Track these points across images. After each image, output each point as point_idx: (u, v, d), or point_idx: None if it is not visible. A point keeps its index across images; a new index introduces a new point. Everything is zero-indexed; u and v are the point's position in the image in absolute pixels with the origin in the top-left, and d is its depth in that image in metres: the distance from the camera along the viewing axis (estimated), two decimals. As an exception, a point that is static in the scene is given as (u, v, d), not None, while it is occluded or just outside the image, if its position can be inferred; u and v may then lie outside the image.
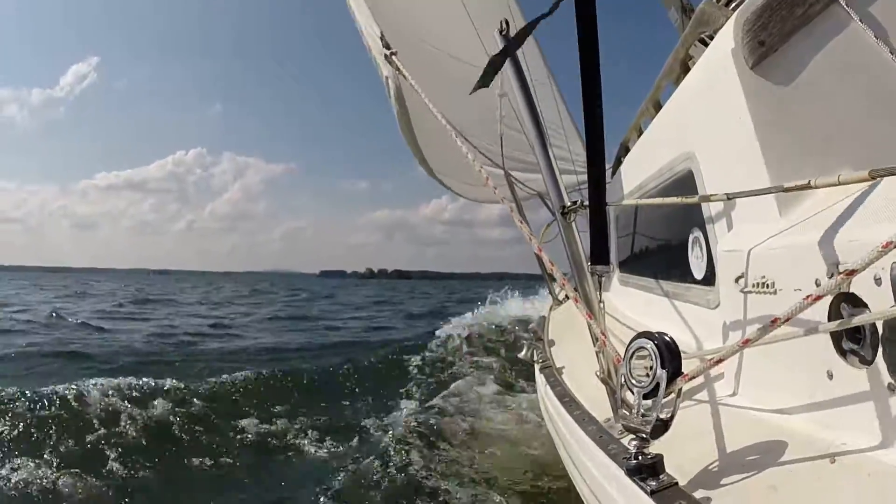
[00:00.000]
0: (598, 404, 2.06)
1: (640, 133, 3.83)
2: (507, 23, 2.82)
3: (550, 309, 5.08)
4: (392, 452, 5.15)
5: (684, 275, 2.54)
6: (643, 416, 1.32)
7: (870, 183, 1.26)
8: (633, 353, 1.35)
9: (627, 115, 4.21)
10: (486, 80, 2.48)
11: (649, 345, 1.32)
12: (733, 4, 2.46)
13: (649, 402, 1.32)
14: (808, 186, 1.31)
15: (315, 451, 5.77)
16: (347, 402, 7.66)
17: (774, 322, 1.15)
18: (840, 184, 1.22)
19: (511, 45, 2.38)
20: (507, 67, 2.74)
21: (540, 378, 3.17)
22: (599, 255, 1.98)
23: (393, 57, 3.58)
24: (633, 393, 1.35)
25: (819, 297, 1.11)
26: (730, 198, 1.74)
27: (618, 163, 4.76)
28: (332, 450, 5.79)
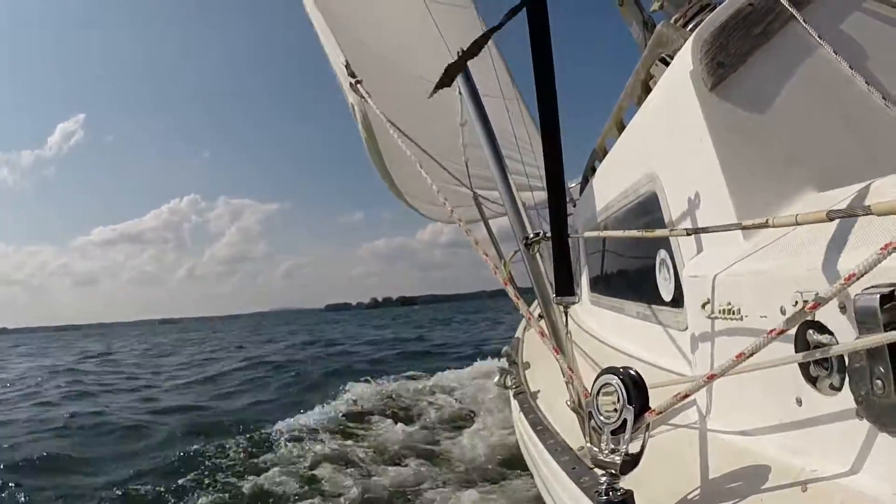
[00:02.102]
0: (573, 431, 2.04)
1: (605, 153, 3.85)
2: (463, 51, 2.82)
3: (524, 330, 5.05)
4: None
5: (653, 296, 2.54)
6: (612, 451, 1.30)
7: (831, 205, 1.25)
8: (600, 388, 1.33)
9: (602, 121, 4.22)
10: (441, 85, 2.47)
11: (615, 381, 1.29)
12: (691, 25, 2.47)
13: (618, 437, 1.29)
14: (765, 225, 1.30)
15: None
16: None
17: (739, 356, 1.14)
18: (798, 224, 1.22)
19: (465, 55, 2.37)
20: (466, 97, 2.72)
21: (514, 404, 3.14)
22: (564, 285, 1.96)
23: (358, 85, 3.58)
24: (601, 429, 1.32)
25: (783, 331, 1.10)
26: (689, 233, 1.74)
27: (585, 181, 4.78)
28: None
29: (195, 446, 7.27)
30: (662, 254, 2.39)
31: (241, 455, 6.79)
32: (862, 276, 0.96)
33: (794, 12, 1.71)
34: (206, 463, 6.57)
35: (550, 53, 1.92)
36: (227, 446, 7.11)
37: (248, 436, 7.54)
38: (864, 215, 1.05)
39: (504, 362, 4.09)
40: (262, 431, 7.74)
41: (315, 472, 5.99)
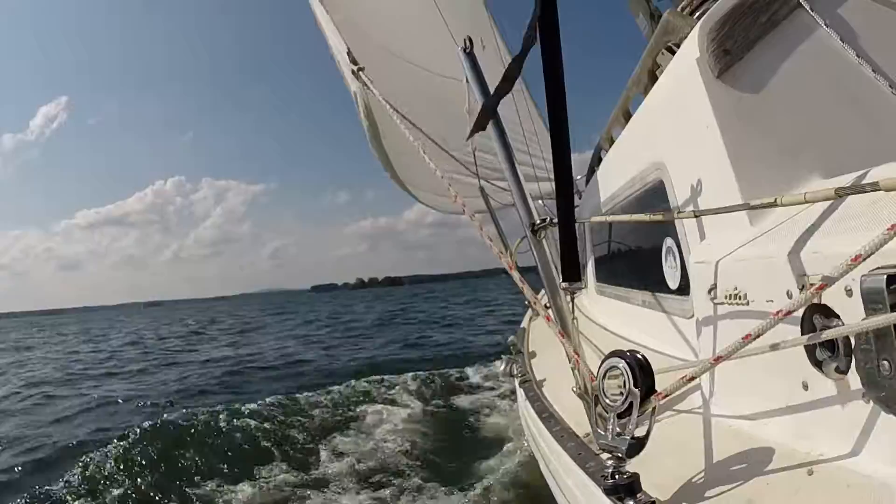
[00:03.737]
0: (578, 418, 2.04)
1: (612, 142, 3.84)
2: (470, 41, 2.81)
3: (530, 320, 5.06)
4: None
5: (659, 284, 2.54)
6: (618, 434, 1.30)
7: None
8: (606, 371, 1.34)
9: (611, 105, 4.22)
10: (479, 127, 2.53)
11: (621, 364, 1.30)
12: (697, 13, 2.47)
13: (624, 420, 1.30)
14: (774, 204, 1.30)
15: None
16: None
17: (746, 338, 1.14)
18: (806, 201, 1.22)
19: (500, 90, 2.42)
20: (473, 85, 2.73)
21: (520, 392, 3.15)
22: (570, 271, 1.96)
23: (360, 73, 3.57)
24: (607, 412, 1.33)
25: (790, 313, 1.10)
26: (697, 215, 1.74)
27: (591, 171, 4.77)
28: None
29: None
30: (669, 242, 2.39)
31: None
32: (869, 256, 0.96)
33: (801, 0, 1.71)
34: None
35: (558, 38, 1.93)
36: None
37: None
38: (871, 191, 1.05)
39: (510, 351, 4.09)
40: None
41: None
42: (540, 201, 4.72)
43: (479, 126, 2.57)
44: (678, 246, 2.26)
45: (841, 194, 1.12)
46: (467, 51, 2.80)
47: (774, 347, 1.22)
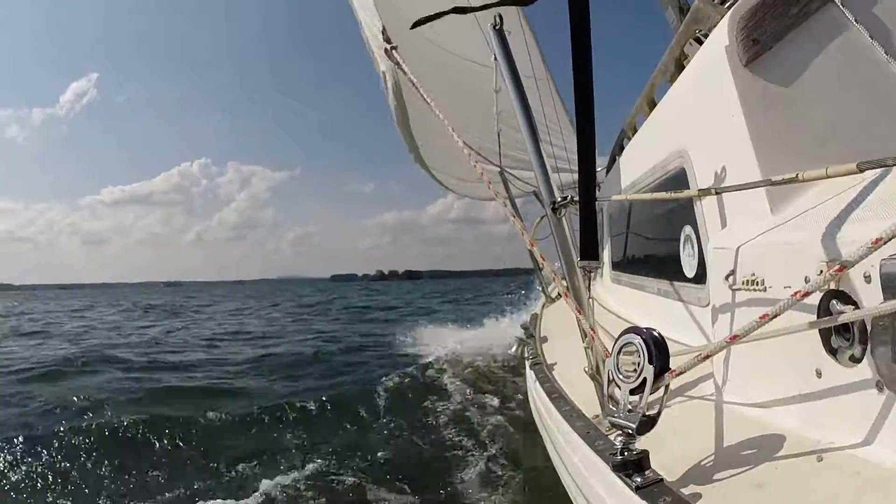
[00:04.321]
0: (588, 400, 2.06)
1: (635, 131, 3.83)
2: (500, 17, 2.81)
3: (543, 306, 5.08)
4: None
5: (676, 273, 2.54)
6: (630, 411, 1.31)
7: (859, 180, 1.25)
8: (621, 348, 1.35)
9: (623, 113, 4.21)
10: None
11: (637, 340, 1.31)
12: (728, 3, 2.46)
13: (636, 397, 1.31)
14: (795, 180, 1.30)
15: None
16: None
17: (763, 318, 1.15)
18: (828, 176, 1.22)
19: None
20: (501, 63, 2.73)
21: (530, 374, 3.17)
22: (589, 250, 1.97)
23: (393, 52, 3.57)
24: (620, 388, 1.34)
25: (808, 294, 1.10)
26: (717, 192, 1.74)
27: (612, 161, 4.76)
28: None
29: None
30: (687, 230, 2.39)
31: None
32: (889, 240, 0.96)
33: None
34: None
35: (588, 34, 1.94)
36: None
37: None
38: (894, 165, 1.05)
39: (522, 335, 4.11)
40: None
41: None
42: (560, 192, 4.71)
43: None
44: (697, 234, 2.26)
45: (863, 168, 1.12)
46: (497, 27, 2.80)
47: (791, 330, 1.23)
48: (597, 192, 5.11)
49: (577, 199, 2.02)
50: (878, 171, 1.37)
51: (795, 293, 1.11)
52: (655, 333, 1.32)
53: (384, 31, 3.67)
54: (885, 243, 0.97)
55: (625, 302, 3.65)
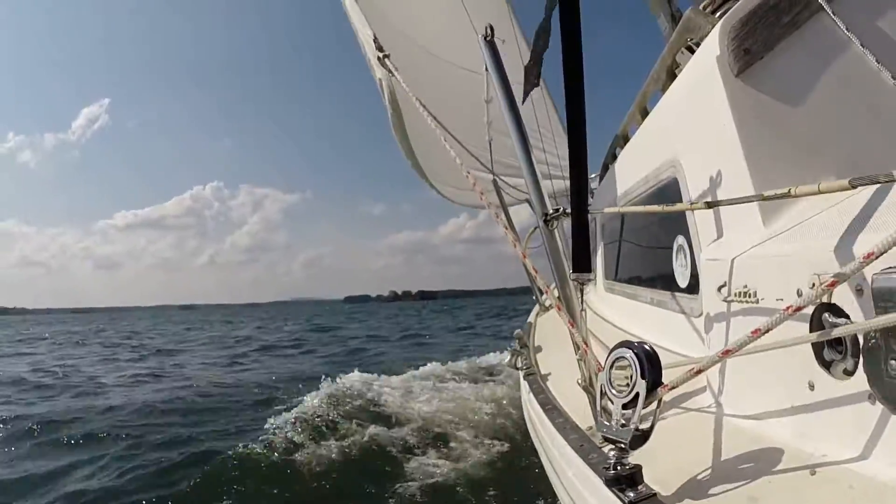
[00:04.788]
0: (582, 411, 2.05)
1: (627, 139, 3.84)
2: (491, 28, 2.81)
3: (537, 315, 5.07)
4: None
5: (669, 283, 2.54)
6: (622, 425, 1.30)
7: (851, 192, 1.25)
8: (614, 362, 1.34)
9: (616, 123, 4.21)
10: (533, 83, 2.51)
11: (629, 354, 1.30)
12: (719, 12, 2.46)
13: (629, 411, 1.30)
14: (788, 195, 1.30)
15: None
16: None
17: (755, 333, 1.14)
18: (820, 192, 1.21)
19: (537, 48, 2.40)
20: (493, 74, 2.73)
21: (524, 385, 3.15)
22: (581, 262, 1.97)
23: (386, 59, 3.59)
24: (612, 403, 1.33)
25: (799, 308, 1.10)
26: (710, 206, 1.73)
27: (605, 169, 4.76)
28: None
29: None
30: (680, 240, 2.39)
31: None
32: (881, 255, 0.96)
33: (824, 3, 1.71)
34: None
35: (580, 45, 1.93)
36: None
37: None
38: (886, 182, 1.04)
39: (516, 344, 4.10)
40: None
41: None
42: (554, 199, 4.71)
43: (532, 84, 2.57)
44: (689, 244, 2.26)
45: (855, 185, 1.11)
46: (488, 38, 2.80)
47: (783, 344, 1.22)
48: (590, 198, 5.12)
49: (569, 210, 2.02)
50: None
51: (787, 308, 1.10)
52: (647, 347, 1.31)
53: (376, 39, 3.69)
54: (876, 258, 0.97)
55: (618, 311, 3.64)
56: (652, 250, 3.04)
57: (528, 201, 5.34)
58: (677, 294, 2.46)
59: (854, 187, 1.12)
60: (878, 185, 1.14)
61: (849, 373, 1.21)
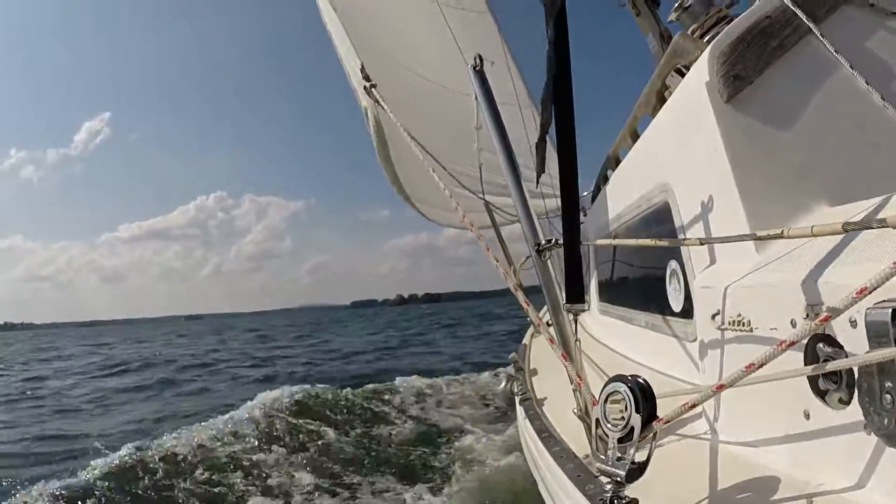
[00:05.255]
0: (578, 439, 2.03)
1: (618, 161, 3.85)
2: (480, 57, 2.82)
3: (532, 336, 5.04)
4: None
5: (663, 306, 2.53)
6: (619, 459, 1.29)
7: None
8: (608, 396, 1.33)
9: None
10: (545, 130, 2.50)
11: (623, 388, 1.29)
12: (707, 37, 2.48)
13: (625, 444, 1.29)
14: (780, 236, 1.29)
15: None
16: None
17: (749, 367, 1.13)
18: (813, 235, 1.21)
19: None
20: (482, 103, 2.74)
21: (520, 410, 3.13)
22: (575, 293, 1.96)
23: (373, 89, 3.60)
24: (608, 436, 1.32)
25: (794, 343, 1.09)
26: (703, 243, 1.73)
27: (597, 190, 4.77)
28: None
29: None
30: (673, 264, 2.38)
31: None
32: (874, 289, 0.96)
33: (812, 26, 1.72)
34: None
35: (568, 61, 1.93)
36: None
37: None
38: (879, 227, 1.04)
39: (511, 368, 4.07)
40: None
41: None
42: (545, 219, 4.72)
43: (540, 166, 2.60)
44: (683, 269, 2.26)
45: (848, 229, 1.11)
46: (477, 69, 2.81)
47: (777, 377, 1.22)
48: (582, 217, 5.12)
49: (561, 241, 2.01)
50: (863, 208, 1.37)
51: (781, 343, 1.10)
52: (641, 380, 1.30)
53: (363, 69, 3.70)
54: (870, 293, 0.97)
55: (613, 333, 3.63)
56: (645, 274, 3.03)
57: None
58: (671, 318, 2.46)
59: (846, 231, 1.12)
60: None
61: (844, 402, 1.21)
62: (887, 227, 1.02)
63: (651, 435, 1.28)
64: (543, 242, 2.20)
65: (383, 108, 3.38)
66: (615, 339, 3.51)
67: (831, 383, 1.24)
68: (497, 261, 2.10)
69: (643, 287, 3.08)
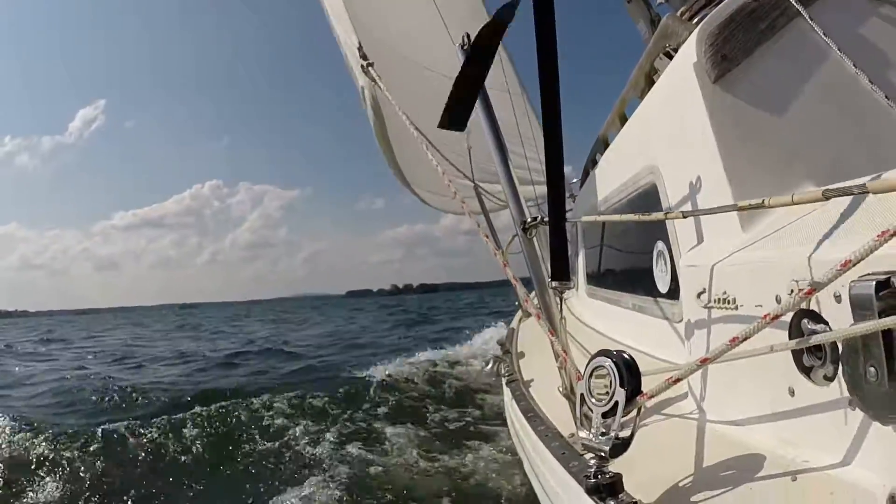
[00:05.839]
0: (564, 419, 2.04)
1: (607, 145, 3.85)
2: (468, 37, 2.81)
3: (520, 320, 5.06)
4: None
5: (650, 288, 2.54)
6: (602, 434, 1.29)
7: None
8: (593, 371, 1.33)
9: (600, 121, 4.22)
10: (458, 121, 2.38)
11: (608, 363, 1.29)
12: (696, 18, 2.47)
13: (609, 420, 1.29)
14: (762, 206, 1.29)
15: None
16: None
17: (733, 340, 1.13)
18: (794, 203, 1.21)
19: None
20: None
21: (506, 392, 3.15)
22: (560, 271, 1.96)
23: (370, 68, 3.59)
24: (592, 411, 1.32)
25: (778, 316, 1.10)
26: (685, 216, 1.73)
27: (586, 174, 4.78)
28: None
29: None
30: (660, 245, 2.39)
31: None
32: (858, 262, 0.96)
33: (801, 9, 1.71)
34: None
35: (555, 43, 1.93)
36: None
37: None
38: (860, 193, 1.04)
39: (498, 351, 4.09)
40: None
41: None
42: (535, 206, 4.73)
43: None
44: (669, 250, 2.26)
45: (828, 196, 1.11)
46: (464, 47, 2.80)
47: (762, 351, 1.22)
48: (571, 203, 5.12)
49: (547, 219, 2.01)
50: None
51: (765, 316, 1.10)
52: (626, 356, 1.30)
53: (360, 48, 3.69)
54: (853, 265, 0.97)
55: (600, 315, 3.65)
56: (632, 255, 3.04)
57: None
58: (658, 299, 2.46)
59: (828, 199, 1.12)
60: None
61: (829, 378, 1.21)
62: (867, 192, 1.02)
63: (635, 410, 1.28)
64: (529, 220, 2.20)
65: (380, 86, 3.37)
66: (602, 321, 3.53)
67: (816, 359, 1.24)
68: (487, 237, 2.09)
69: (630, 269, 3.09)
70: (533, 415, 2.34)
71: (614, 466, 1.30)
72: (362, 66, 3.69)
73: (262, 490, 5.39)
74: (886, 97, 1.48)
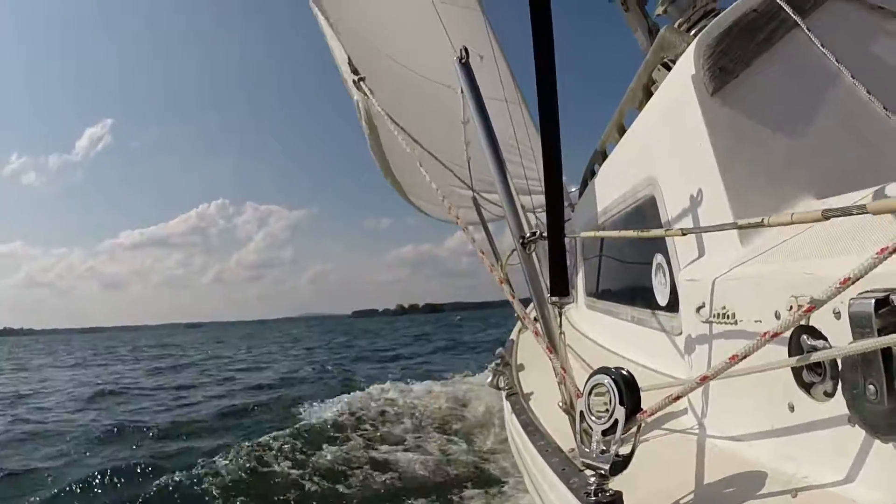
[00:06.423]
0: (564, 433, 2.03)
1: (605, 156, 3.85)
2: (466, 50, 2.80)
3: (519, 332, 5.04)
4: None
5: (649, 300, 2.53)
6: (603, 451, 1.28)
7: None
8: (592, 388, 1.32)
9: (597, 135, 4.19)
10: None
11: (607, 380, 1.28)
12: (694, 30, 2.48)
13: (609, 437, 1.28)
14: (761, 224, 1.29)
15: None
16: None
17: (733, 358, 1.13)
18: (793, 222, 1.21)
19: None
20: (469, 97, 2.71)
21: (506, 405, 3.13)
22: (559, 286, 1.95)
23: (361, 82, 3.60)
24: (592, 429, 1.31)
25: (777, 334, 1.09)
26: (685, 233, 1.73)
27: (584, 185, 4.77)
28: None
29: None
30: (659, 258, 2.38)
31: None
32: (857, 279, 0.95)
33: (798, 20, 1.71)
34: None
35: (552, 53, 1.92)
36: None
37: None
38: (859, 214, 1.04)
39: (498, 363, 4.07)
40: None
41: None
42: (534, 215, 4.72)
43: None
44: (668, 263, 2.25)
45: (828, 216, 1.11)
46: (462, 61, 2.80)
47: (761, 368, 1.21)
48: (570, 212, 5.10)
49: (546, 234, 2.00)
50: (847, 201, 1.37)
51: (765, 334, 1.09)
52: (625, 372, 1.29)
53: (350, 63, 3.70)
54: (853, 283, 0.96)
55: (599, 328, 3.63)
56: (631, 268, 3.03)
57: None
58: (657, 312, 2.46)
59: (826, 218, 1.12)
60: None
61: (828, 395, 1.20)
62: (867, 213, 1.02)
63: (635, 427, 1.27)
64: (528, 235, 2.19)
65: (372, 101, 3.38)
66: (602, 334, 3.51)
67: (815, 376, 1.24)
68: (483, 253, 2.08)
69: (629, 282, 3.08)
70: (533, 429, 2.32)
71: (615, 483, 1.29)
72: (354, 80, 3.70)
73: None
74: (884, 107, 1.48)
